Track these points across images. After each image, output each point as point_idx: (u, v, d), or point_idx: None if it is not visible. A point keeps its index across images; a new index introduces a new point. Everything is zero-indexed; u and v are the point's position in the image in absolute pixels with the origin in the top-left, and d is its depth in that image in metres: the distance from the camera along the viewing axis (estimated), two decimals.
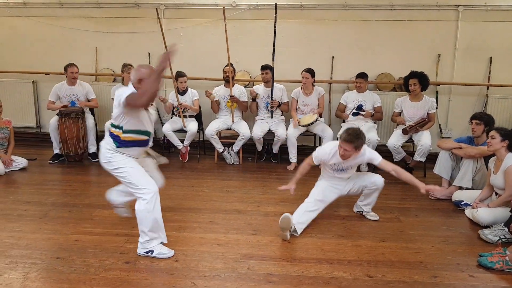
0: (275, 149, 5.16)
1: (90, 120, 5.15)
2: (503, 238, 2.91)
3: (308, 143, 5.50)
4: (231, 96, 4.99)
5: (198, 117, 5.43)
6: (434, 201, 3.90)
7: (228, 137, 5.25)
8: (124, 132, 2.61)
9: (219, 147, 5.08)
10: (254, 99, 5.12)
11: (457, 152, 3.92)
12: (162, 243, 2.69)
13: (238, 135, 5.02)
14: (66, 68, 5.03)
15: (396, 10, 5.35)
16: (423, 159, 4.54)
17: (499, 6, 5.20)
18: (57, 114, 4.98)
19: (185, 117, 5.14)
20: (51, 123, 4.99)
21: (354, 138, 2.99)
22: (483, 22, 5.29)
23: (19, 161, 4.63)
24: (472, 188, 3.82)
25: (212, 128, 5.00)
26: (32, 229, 3.01)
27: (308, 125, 4.88)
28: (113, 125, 2.68)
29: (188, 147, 5.20)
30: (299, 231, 3.00)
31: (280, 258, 2.65)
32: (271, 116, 5.11)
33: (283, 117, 5.25)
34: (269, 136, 5.09)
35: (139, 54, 5.76)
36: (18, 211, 3.36)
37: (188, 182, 4.34)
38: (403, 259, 2.68)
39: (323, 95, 5.09)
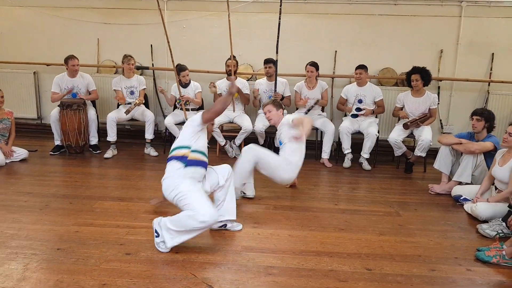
0: (277, 143, 5.16)
1: (91, 111, 5.14)
2: (500, 233, 2.93)
3: (310, 137, 5.48)
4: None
5: (201, 110, 5.42)
6: (433, 196, 3.92)
7: (230, 131, 5.25)
8: (192, 151, 2.72)
9: (221, 140, 5.08)
10: (256, 97, 5.14)
11: (457, 147, 3.93)
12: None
13: (240, 129, 5.02)
14: (66, 60, 5.00)
15: (400, 5, 5.32)
16: (423, 154, 4.55)
17: (502, 2, 5.18)
18: (58, 106, 4.97)
19: (187, 109, 5.14)
20: (52, 114, 4.99)
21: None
22: (486, 18, 5.27)
23: (20, 152, 4.64)
24: (471, 183, 3.83)
25: (215, 121, 4.99)
26: (32, 220, 3.02)
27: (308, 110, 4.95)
28: (178, 147, 2.77)
29: None
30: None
31: (280, 250, 2.66)
32: None
33: (285, 111, 5.24)
34: (271, 130, 5.09)
35: (142, 46, 5.75)
36: (19, 202, 3.37)
37: None
38: (402, 252, 2.70)
39: (326, 89, 5.08)
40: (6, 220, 3.00)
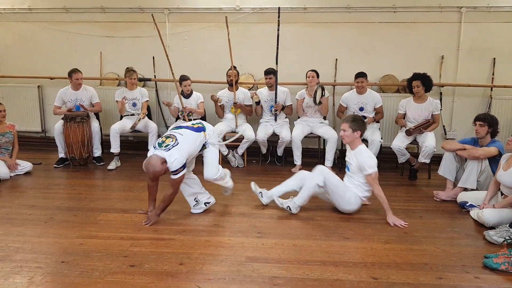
0: (280, 151, 5.17)
1: (95, 124, 5.18)
2: (508, 239, 2.89)
3: (313, 145, 5.50)
4: (234, 103, 5.01)
5: (203, 120, 5.44)
6: (439, 203, 3.89)
7: (233, 140, 5.25)
8: None
9: (223, 150, 5.09)
10: (258, 103, 5.13)
11: (462, 153, 3.90)
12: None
13: (243, 138, 5.03)
14: (70, 74, 5.05)
15: (399, 12, 5.35)
16: (427, 161, 4.53)
17: (501, 7, 5.20)
18: (62, 118, 5.02)
19: (190, 120, 5.15)
20: (56, 127, 5.02)
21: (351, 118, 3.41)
22: (486, 23, 5.29)
23: (24, 165, 4.66)
24: (477, 189, 3.80)
25: (217, 131, 5.00)
26: (37, 233, 3.02)
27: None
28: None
29: None
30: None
31: (285, 260, 2.64)
32: (275, 120, 5.12)
33: (287, 120, 5.26)
34: (274, 139, 5.10)
35: (144, 58, 5.81)
36: (23, 215, 3.37)
37: None
38: (408, 260, 2.67)
39: (327, 97, 5.09)
40: (10, 234, 3.00)
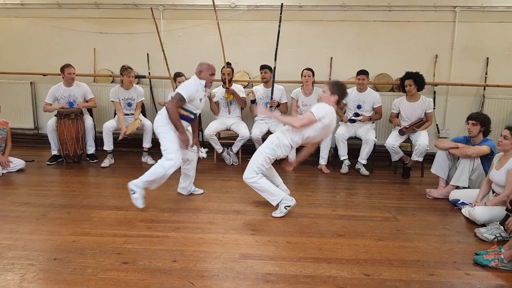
0: None
1: (88, 121, 5.14)
2: (498, 236, 2.93)
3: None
4: (227, 88, 4.99)
5: (198, 118, 5.42)
6: (431, 201, 3.92)
7: (227, 138, 5.26)
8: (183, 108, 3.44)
9: (218, 147, 5.08)
10: (253, 101, 5.13)
11: (454, 151, 3.93)
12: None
13: (237, 136, 5.03)
14: (62, 69, 5.00)
15: (394, 11, 5.37)
16: (420, 159, 4.56)
17: (495, 7, 5.23)
18: (55, 115, 4.98)
19: None
20: (49, 124, 4.98)
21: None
22: (480, 23, 5.32)
23: (17, 163, 4.62)
24: (468, 187, 3.85)
25: (211, 129, 5.01)
26: (29, 230, 3.00)
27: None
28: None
29: None
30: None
31: (278, 257, 2.65)
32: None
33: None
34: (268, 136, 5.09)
35: (138, 55, 5.77)
36: (16, 212, 3.35)
37: None
38: (400, 257, 2.69)
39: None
40: (2, 231, 2.98)
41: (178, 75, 5.07)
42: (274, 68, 4.90)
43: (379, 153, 5.07)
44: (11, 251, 2.67)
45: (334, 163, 5.08)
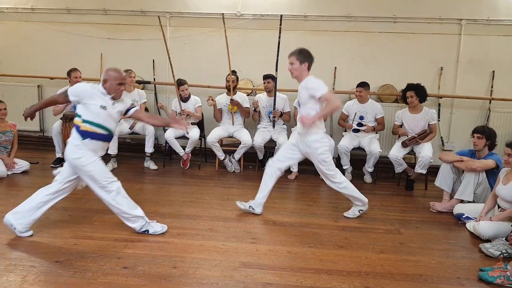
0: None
1: None
2: (504, 252, 2.88)
3: None
4: (231, 99, 5.01)
5: (200, 124, 5.45)
6: (435, 214, 3.89)
7: (230, 145, 5.26)
8: (84, 121, 2.89)
9: (220, 154, 5.09)
10: (256, 109, 5.15)
11: (459, 165, 3.90)
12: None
13: (240, 143, 5.03)
14: (69, 73, 5.05)
15: (399, 22, 5.39)
16: (424, 171, 4.53)
17: (501, 21, 5.24)
18: (61, 119, 5.01)
19: (188, 123, 5.15)
20: (54, 127, 5.02)
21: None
22: (486, 36, 5.33)
23: (22, 164, 4.66)
24: (473, 202, 3.80)
25: (214, 136, 5.02)
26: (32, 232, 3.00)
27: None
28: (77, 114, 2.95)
29: (190, 154, 5.21)
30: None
31: (278, 267, 2.63)
32: (273, 126, 5.12)
33: (285, 126, 5.26)
34: (271, 145, 5.10)
35: (144, 61, 5.82)
36: None
37: (188, 189, 4.34)
38: (403, 271, 2.66)
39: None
40: (5, 232, 2.98)
41: (181, 83, 5.09)
42: (276, 78, 4.91)
43: (383, 165, 5.05)
44: (14, 252, 2.68)
45: None
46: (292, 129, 5.20)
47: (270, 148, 5.13)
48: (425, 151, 4.50)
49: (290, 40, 5.46)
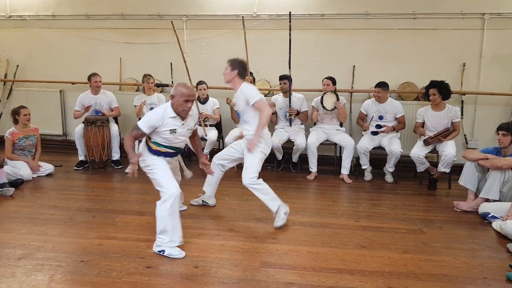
0: (295, 158, 5.15)
1: (114, 128, 5.27)
2: None
3: (329, 152, 5.46)
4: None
5: (218, 126, 5.48)
6: (459, 213, 3.79)
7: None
8: (152, 142, 3.01)
9: None
10: (273, 113, 5.15)
11: (484, 163, 3.80)
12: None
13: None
14: (89, 77, 5.18)
15: (419, 18, 5.30)
16: (447, 170, 4.43)
17: None
18: (82, 122, 5.12)
19: (206, 125, 5.20)
20: (77, 131, 5.14)
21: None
22: (510, 31, 5.17)
23: (46, 167, 4.78)
24: (499, 200, 3.70)
25: (232, 136, 5.02)
26: (58, 233, 3.09)
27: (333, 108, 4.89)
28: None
29: (208, 155, 5.24)
30: None
31: (299, 267, 2.62)
32: (290, 125, 5.11)
33: (302, 126, 5.24)
34: (289, 145, 5.08)
35: (162, 64, 5.89)
36: (45, 215, 3.46)
37: None
38: (427, 271, 2.61)
39: (344, 104, 5.04)
40: (33, 233, 3.08)
41: (199, 83, 5.16)
42: (290, 77, 4.89)
43: (404, 164, 4.96)
44: (41, 252, 2.75)
45: (357, 173, 5.00)
46: (310, 129, 5.19)
47: (288, 148, 5.11)
48: (449, 149, 4.39)
49: (308, 39, 5.46)
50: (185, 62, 4.94)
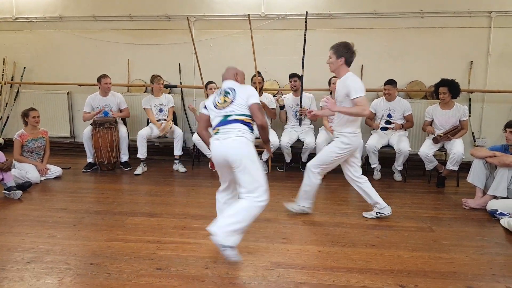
0: (304, 157, 5.14)
1: (122, 129, 5.30)
2: None
3: None
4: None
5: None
6: (467, 211, 3.78)
7: (257, 146, 5.24)
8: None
9: None
10: (282, 107, 5.14)
11: (492, 160, 3.80)
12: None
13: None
14: (99, 79, 5.21)
15: (426, 17, 5.28)
16: (455, 168, 4.42)
17: None
18: (91, 124, 5.15)
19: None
20: (85, 133, 5.16)
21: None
22: None
23: (54, 170, 4.81)
24: (507, 197, 3.69)
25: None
26: (66, 236, 3.10)
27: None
28: (243, 115, 2.93)
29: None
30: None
31: (310, 266, 2.63)
32: (300, 124, 5.11)
33: (312, 126, 5.24)
34: (298, 145, 5.08)
35: (170, 65, 5.91)
36: (54, 218, 3.47)
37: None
38: (436, 269, 2.61)
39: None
40: (41, 236, 3.10)
41: (209, 83, 5.17)
42: (302, 76, 4.90)
43: (413, 162, 4.95)
44: (50, 255, 2.76)
45: (366, 171, 4.97)
46: (319, 128, 5.18)
47: (297, 148, 5.11)
48: (457, 147, 4.39)
49: (315, 39, 5.44)
50: (197, 61, 4.95)
